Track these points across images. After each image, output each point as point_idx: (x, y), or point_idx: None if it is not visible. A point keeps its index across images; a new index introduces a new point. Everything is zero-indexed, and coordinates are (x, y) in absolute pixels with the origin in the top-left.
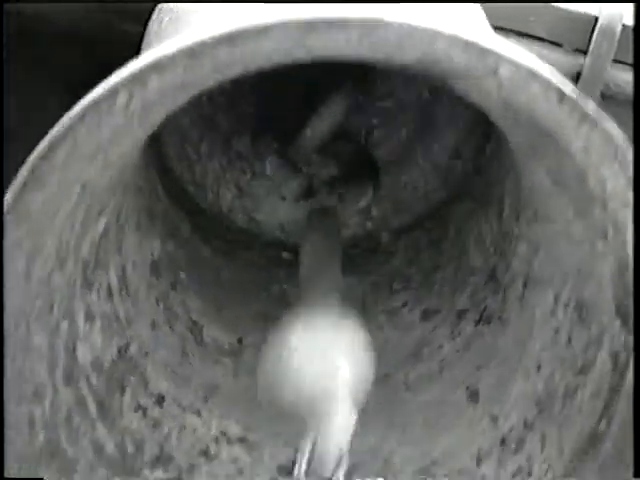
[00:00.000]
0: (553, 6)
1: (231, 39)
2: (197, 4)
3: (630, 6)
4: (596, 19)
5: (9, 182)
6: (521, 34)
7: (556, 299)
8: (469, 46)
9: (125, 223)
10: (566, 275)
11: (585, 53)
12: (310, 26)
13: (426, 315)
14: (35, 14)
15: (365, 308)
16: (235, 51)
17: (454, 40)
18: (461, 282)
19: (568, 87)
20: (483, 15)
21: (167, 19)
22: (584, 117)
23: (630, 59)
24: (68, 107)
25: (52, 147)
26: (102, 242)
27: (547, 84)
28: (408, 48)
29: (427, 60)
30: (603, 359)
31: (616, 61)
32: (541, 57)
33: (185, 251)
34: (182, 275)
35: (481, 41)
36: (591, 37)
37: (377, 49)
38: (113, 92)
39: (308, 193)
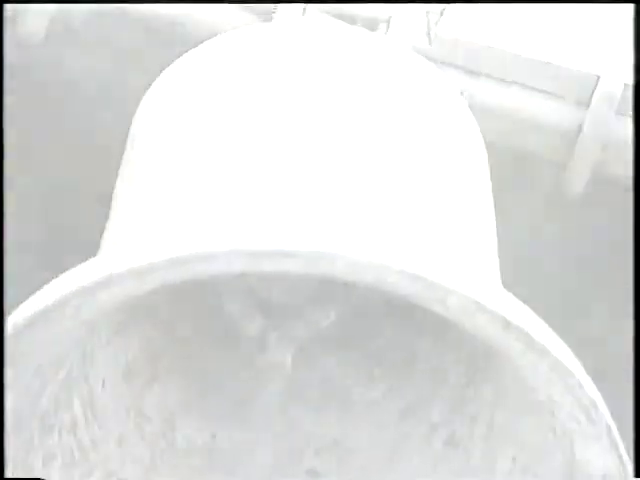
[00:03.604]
0: (556, 64)
1: (181, 262)
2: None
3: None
4: (598, 78)
5: None
6: (524, 86)
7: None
8: (417, 279)
9: (93, 351)
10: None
11: (587, 106)
12: (257, 255)
13: (403, 414)
14: None
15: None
16: (184, 271)
17: (402, 274)
18: (438, 386)
19: (516, 314)
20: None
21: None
22: (530, 345)
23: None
24: None
25: None
26: (65, 385)
27: (492, 314)
28: (357, 276)
29: (377, 285)
30: None
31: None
32: (543, 109)
33: (166, 336)
34: (160, 366)
35: (429, 274)
36: (593, 93)
37: (326, 275)
38: (61, 304)
39: None
